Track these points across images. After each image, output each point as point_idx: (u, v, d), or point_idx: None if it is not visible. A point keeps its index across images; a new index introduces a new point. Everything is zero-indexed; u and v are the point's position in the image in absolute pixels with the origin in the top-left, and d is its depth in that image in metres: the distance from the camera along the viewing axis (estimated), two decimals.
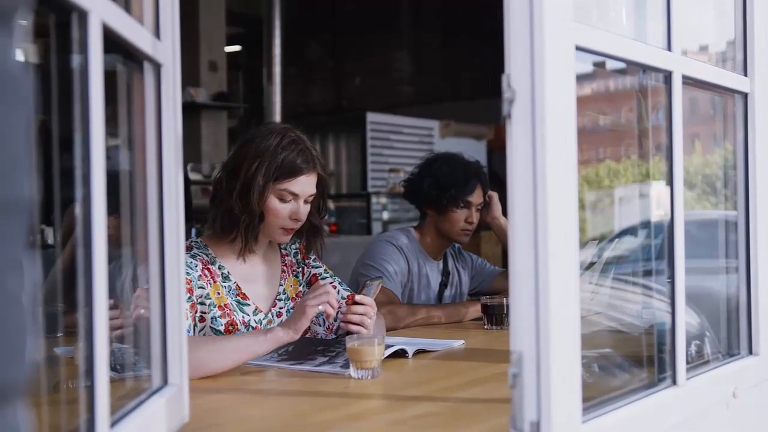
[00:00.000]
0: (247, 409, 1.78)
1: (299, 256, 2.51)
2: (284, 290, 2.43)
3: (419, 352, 2.27)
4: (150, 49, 1.34)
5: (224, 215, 2.28)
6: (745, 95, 1.89)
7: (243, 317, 2.29)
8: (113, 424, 1.13)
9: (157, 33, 1.40)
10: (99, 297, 1.05)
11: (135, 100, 1.40)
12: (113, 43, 1.16)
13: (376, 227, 7.71)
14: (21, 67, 0.62)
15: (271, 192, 2.26)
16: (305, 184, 2.29)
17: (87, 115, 1.05)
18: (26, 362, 0.62)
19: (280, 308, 2.40)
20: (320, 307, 2.06)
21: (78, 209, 1.06)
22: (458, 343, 2.45)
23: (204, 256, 2.28)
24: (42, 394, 1.17)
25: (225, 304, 2.26)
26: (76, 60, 1.06)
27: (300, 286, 2.48)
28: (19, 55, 0.63)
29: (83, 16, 1.03)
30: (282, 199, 2.27)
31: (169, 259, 1.43)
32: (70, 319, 1.26)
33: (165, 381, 1.42)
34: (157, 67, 1.40)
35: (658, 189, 1.92)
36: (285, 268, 2.46)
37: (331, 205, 8.11)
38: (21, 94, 0.61)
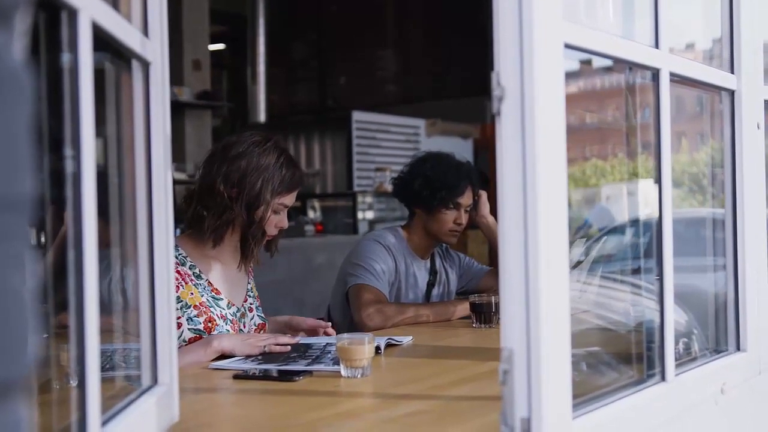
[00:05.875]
0: (237, 409, 1.77)
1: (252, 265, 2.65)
2: (251, 288, 2.57)
3: (389, 346, 2.33)
4: (139, 48, 1.34)
5: (225, 225, 2.37)
6: (731, 92, 1.90)
7: (220, 311, 2.38)
8: (104, 423, 1.13)
9: (145, 31, 1.40)
10: (89, 297, 1.04)
11: (123, 99, 1.39)
12: (101, 41, 1.15)
13: (363, 227, 7.70)
14: (22, 66, 0.62)
15: (272, 207, 2.38)
16: (295, 197, 2.47)
17: (77, 114, 1.04)
18: (28, 358, 0.63)
19: (250, 304, 2.54)
20: (266, 348, 2.21)
21: (65, 209, 1.06)
22: (407, 339, 2.48)
23: (173, 252, 2.31)
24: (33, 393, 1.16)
25: (200, 303, 2.35)
26: (65, 58, 1.05)
27: (255, 290, 2.62)
28: (20, 54, 0.62)
29: (73, 14, 1.03)
30: (275, 212, 2.41)
31: (159, 259, 1.43)
32: (57, 320, 1.25)
33: (155, 380, 1.42)
34: (145, 65, 1.40)
35: (645, 187, 1.93)
36: (250, 269, 2.59)
37: (316, 204, 8.11)
38: (23, 92, 0.62)
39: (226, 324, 2.37)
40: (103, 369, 1.15)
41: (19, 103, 0.61)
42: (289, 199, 2.43)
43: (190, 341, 2.27)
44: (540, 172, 1.20)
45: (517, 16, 1.21)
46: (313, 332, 2.52)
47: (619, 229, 2.53)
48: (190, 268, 2.37)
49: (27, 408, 0.63)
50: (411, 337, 2.49)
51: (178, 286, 2.29)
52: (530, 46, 1.20)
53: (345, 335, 2.02)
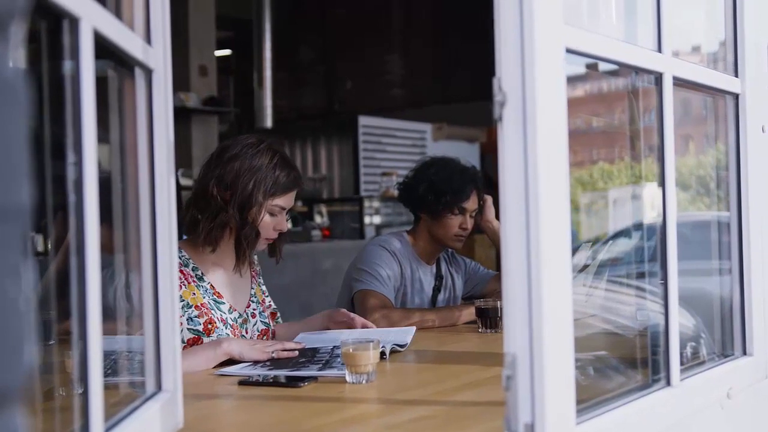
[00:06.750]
0: (241, 415, 1.77)
1: (259, 268, 2.66)
2: (254, 293, 2.56)
3: (394, 352, 2.32)
4: (141, 55, 1.34)
5: (220, 228, 2.37)
6: (736, 96, 1.90)
7: (221, 315, 2.39)
8: (107, 430, 1.13)
9: (148, 38, 1.40)
10: (92, 304, 1.05)
11: (126, 106, 1.40)
12: (104, 48, 1.16)
13: (369, 231, 7.69)
14: (18, 74, 0.63)
15: (265, 208, 2.38)
16: (292, 199, 2.46)
17: (79, 122, 1.04)
18: (24, 367, 0.63)
19: (254, 310, 2.53)
20: (273, 354, 2.21)
21: (69, 216, 1.06)
22: (412, 331, 2.52)
23: (177, 259, 2.32)
24: (37, 400, 1.16)
25: (201, 304, 2.35)
26: (67, 66, 1.06)
27: (263, 294, 2.61)
28: (16, 62, 0.63)
29: (74, 22, 1.03)
30: (271, 214, 2.41)
31: (162, 266, 1.43)
32: (62, 327, 1.25)
33: (159, 387, 1.42)
34: (148, 72, 1.40)
35: (651, 191, 1.92)
36: (254, 274, 2.59)
37: (323, 209, 8.11)
38: (18, 100, 0.62)
39: (226, 328, 2.37)
40: (106, 374, 1.15)
41: (16, 113, 0.61)
42: (285, 201, 2.41)
43: (189, 342, 2.28)
44: (542, 177, 1.20)
45: (518, 21, 1.21)
46: (348, 325, 2.55)
47: (625, 233, 2.53)
48: (192, 270, 2.38)
49: (24, 416, 0.63)
50: (414, 328, 2.54)
51: (180, 285, 2.29)
52: (531, 51, 1.20)
53: (350, 340, 2.02)
